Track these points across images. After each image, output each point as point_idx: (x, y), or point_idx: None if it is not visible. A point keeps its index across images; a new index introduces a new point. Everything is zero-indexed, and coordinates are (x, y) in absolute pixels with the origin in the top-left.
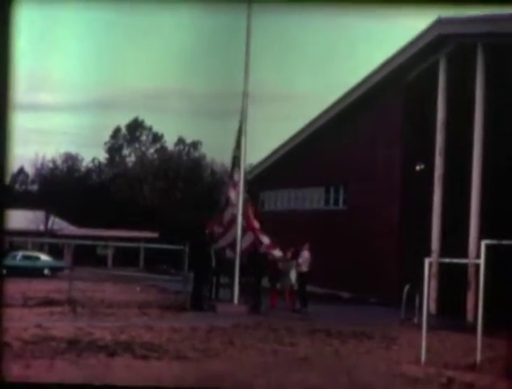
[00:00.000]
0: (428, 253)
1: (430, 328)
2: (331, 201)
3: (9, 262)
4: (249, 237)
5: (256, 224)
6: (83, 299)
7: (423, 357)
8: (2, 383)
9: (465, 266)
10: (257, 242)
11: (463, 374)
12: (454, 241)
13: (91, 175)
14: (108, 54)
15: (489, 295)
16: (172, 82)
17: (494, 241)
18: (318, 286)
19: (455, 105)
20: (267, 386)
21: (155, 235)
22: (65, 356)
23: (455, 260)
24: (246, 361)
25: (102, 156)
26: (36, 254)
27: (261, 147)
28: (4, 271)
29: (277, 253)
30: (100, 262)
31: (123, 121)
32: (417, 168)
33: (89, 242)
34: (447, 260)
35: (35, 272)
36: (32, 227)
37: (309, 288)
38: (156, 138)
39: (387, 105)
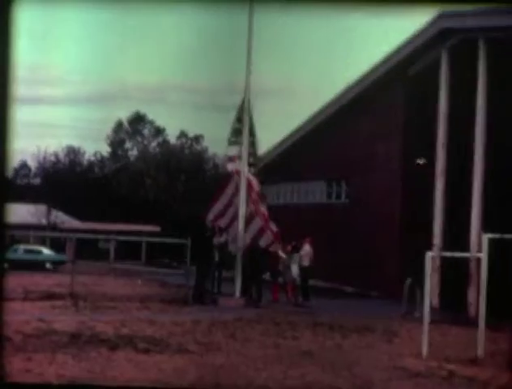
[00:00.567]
0: (429, 247)
1: (431, 322)
2: (333, 195)
3: (11, 255)
4: (257, 223)
5: (264, 210)
6: (85, 293)
7: (424, 351)
8: (2, 383)
9: (467, 260)
10: (265, 228)
11: (465, 367)
12: (456, 235)
13: (94, 169)
14: (111, 48)
15: (491, 289)
16: (175, 76)
17: (496, 235)
18: (321, 280)
19: (457, 99)
20: (269, 379)
21: (157, 229)
22: (66, 349)
23: (457, 254)
24: (248, 354)
25: (104, 150)
26: (37, 247)
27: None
28: (6, 265)
29: (277, 247)
30: (102, 255)
31: (125, 114)
32: (419, 162)
33: (91, 236)
34: (449, 254)
35: (37, 266)
36: (33, 220)
37: (311, 281)
38: (158, 131)
39: (389, 99)
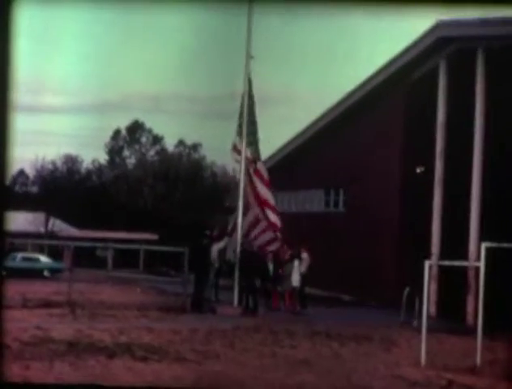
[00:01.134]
0: (428, 255)
1: (430, 331)
2: (331, 203)
3: (9, 263)
4: (253, 211)
5: (264, 197)
6: (83, 301)
7: (422, 360)
8: (2, 383)
9: (465, 268)
10: (261, 217)
11: (463, 376)
12: (454, 243)
13: (92, 177)
14: (109, 56)
15: (489, 298)
16: (173, 84)
17: (494, 244)
18: (318, 288)
19: (456, 108)
20: (267, 388)
21: (155, 237)
22: (64, 357)
23: (455, 263)
24: (246, 363)
25: (102, 158)
26: (35, 255)
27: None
28: (4, 273)
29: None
30: (100, 263)
31: (123, 122)
32: (417, 170)
33: (89, 244)
34: (447, 263)
35: (34, 274)
36: (31, 228)
37: (308, 290)
38: (157, 139)
39: (388, 108)
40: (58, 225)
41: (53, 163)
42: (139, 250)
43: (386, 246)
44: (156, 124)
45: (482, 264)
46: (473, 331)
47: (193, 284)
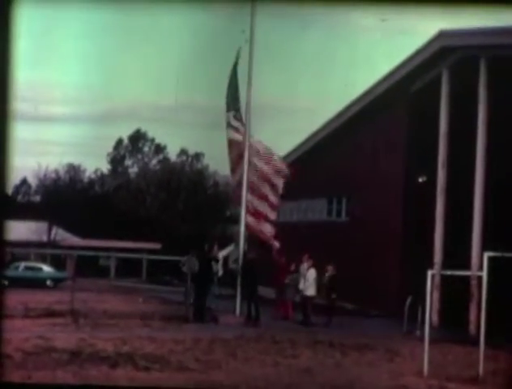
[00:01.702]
0: (430, 265)
1: (432, 340)
2: (334, 212)
3: (11, 273)
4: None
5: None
6: (86, 310)
7: (425, 370)
8: (2, 383)
9: (467, 278)
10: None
11: (465, 386)
12: (457, 253)
13: (94, 186)
14: (111, 66)
15: (492, 307)
16: (175, 93)
17: (497, 253)
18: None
19: (458, 117)
20: None
21: (157, 246)
22: (66, 367)
23: (458, 272)
24: (249, 372)
25: (105, 167)
26: (38, 265)
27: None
28: (6, 282)
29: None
30: (103, 273)
31: (126, 132)
32: (420, 179)
33: (91, 253)
34: (450, 272)
35: (37, 283)
36: (34, 238)
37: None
38: (159, 149)
39: (390, 117)
40: (61, 234)
41: (56, 172)
42: (142, 259)
43: (388, 255)
44: (159, 133)
45: (484, 274)
46: (476, 340)
47: (194, 293)
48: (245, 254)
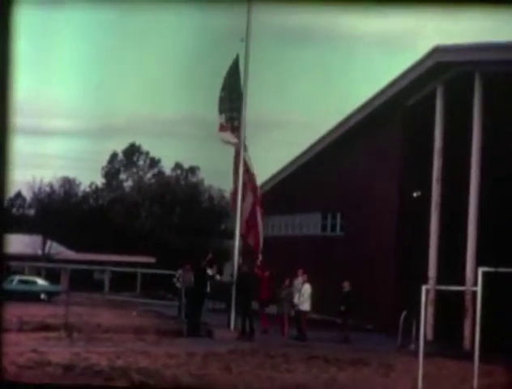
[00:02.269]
0: (424, 280)
1: (427, 355)
2: (328, 227)
3: (5, 286)
4: (249, 198)
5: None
6: (80, 324)
7: (420, 385)
8: (2, 383)
9: (462, 293)
10: (257, 203)
11: None
12: (451, 267)
13: (89, 200)
14: (107, 79)
15: (486, 321)
16: (170, 107)
17: (491, 269)
18: (315, 312)
19: (453, 133)
20: None
21: (152, 260)
22: (61, 381)
23: (452, 287)
24: (243, 387)
25: (99, 181)
26: (32, 278)
27: (258, 173)
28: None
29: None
30: (97, 286)
31: (120, 145)
32: (415, 194)
33: (86, 267)
34: (444, 287)
35: (31, 297)
36: (28, 251)
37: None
38: (154, 162)
39: (385, 131)
40: (55, 248)
41: (51, 185)
42: (136, 273)
43: (383, 270)
44: (153, 147)
45: (479, 288)
46: (470, 355)
47: (188, 307)
48: (239, 267)
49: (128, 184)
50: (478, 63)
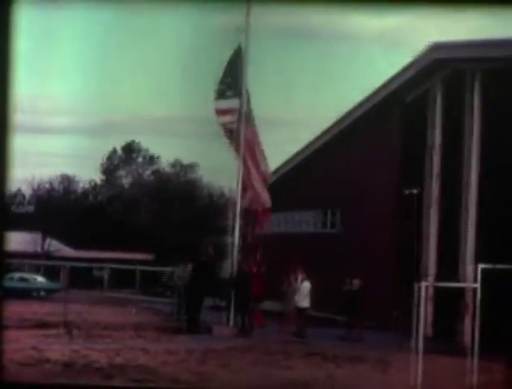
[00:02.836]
0: (423, 276)
1: (426, 352)
2: (328, 224)
3: (5, 283)
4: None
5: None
6: (79, 321)
7: (418, 381)
8: (2, 383)
9: (461, 289)
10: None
11: None
12: (450, 264)
13: (88, 197)
14: (106, 77)
15: (485, 318)
16: (169, 105)
17: (490, 266)
18: (315, 309)
19: (451, 129)
20: None
21: (151, 257)
22: (60, 378)
23: (452, 284)
24: (242, 384)
25: (99, 178)
26: (31, 275)
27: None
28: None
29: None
30: (96, 283)
31: (120, 143)
32: (414, 191)
33: (85, 264)
34: (443, 284)
35: (31, 294)
36: (28, 248)
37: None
38: (152, 160)
39: (383, 128)
40: (54, 245)
41: (50, 182)
42: (135, 270)
43: (382, 267)
44: (153, 144)
45: (478, 285)
46: (468, 351)
47: (186, 303)
48: (239, 264)
49: (127, 181)
50: (476, 60)
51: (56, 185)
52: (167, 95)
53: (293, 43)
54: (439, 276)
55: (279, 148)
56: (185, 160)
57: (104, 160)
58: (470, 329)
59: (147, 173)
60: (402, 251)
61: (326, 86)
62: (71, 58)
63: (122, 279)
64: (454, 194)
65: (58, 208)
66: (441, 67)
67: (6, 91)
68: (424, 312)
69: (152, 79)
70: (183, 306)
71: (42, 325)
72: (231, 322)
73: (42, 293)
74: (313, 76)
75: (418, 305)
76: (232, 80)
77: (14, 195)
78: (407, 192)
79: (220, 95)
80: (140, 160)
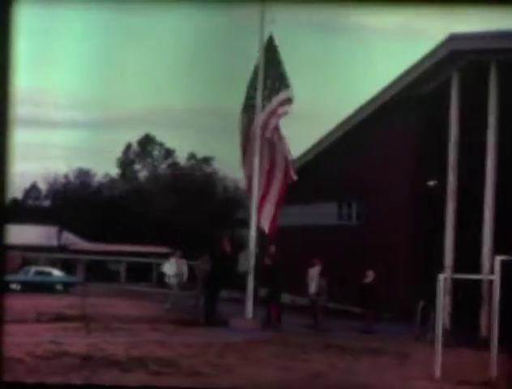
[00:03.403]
0: (441, 268)
1: (444, 344)
2: (344, 216)
3: (22, 277)
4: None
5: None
6: (96, 314)
7: (437, 373)
8: (2, 383)
9: (479, 281)
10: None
11: None
12: (468, 256)
13: (104, 190)
14: (120, 69)
15: (504, 310)
16: (185, 98)
17: (509, 257)
18: (332, 301)
19: (468, 121)
20: None
21: (167, 250)
22: (78, 372)
23: (470, 276)
24: (260, 377)
25: (114, 172)
26: (48, 269)
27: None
28: (18, 287)
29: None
30: (113, 277)
31: (135, 136)
32: (430, 183)
33: (101, 258)
34: (461, 276)
35: (47, 288)
36: (44, 242)
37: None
38: (168, 153)
39: (400, 120)
40: (71, 239)
41: (66, 176)
42: (152, 263)
43: (399, 259)
44: (168, 138)
45: (497, 277)
46: (488, 344)
47: (205, 296)
48: (262, 258)
49: (143, 174)
50: (493, 51)
51: (72, 178)
52: (184, 88)
53: (309, 37)
54: (457, 268)
55: (304, 142)
56: (201, 154)
57: (120, 153)
58: (489, 321)
59: (163, 166)
60: (423, 243)
61: (343, 78)
62: (87, 52)
63: (139, 272)
64: (473, 185)
65: (74, 202)
66: (458, 58)
67: (6, 91)
68: (443, 304)
69: (169, 72)
70: (201, 299)
71: (60, 318)
72: (249, 315)
73: (59, 287)
74: (329, 70)
75: (438, 297)
76: (279, 72)
77: (30, 189)
78: (429, 184)
79: (276, 89)
80: (156, 153)
